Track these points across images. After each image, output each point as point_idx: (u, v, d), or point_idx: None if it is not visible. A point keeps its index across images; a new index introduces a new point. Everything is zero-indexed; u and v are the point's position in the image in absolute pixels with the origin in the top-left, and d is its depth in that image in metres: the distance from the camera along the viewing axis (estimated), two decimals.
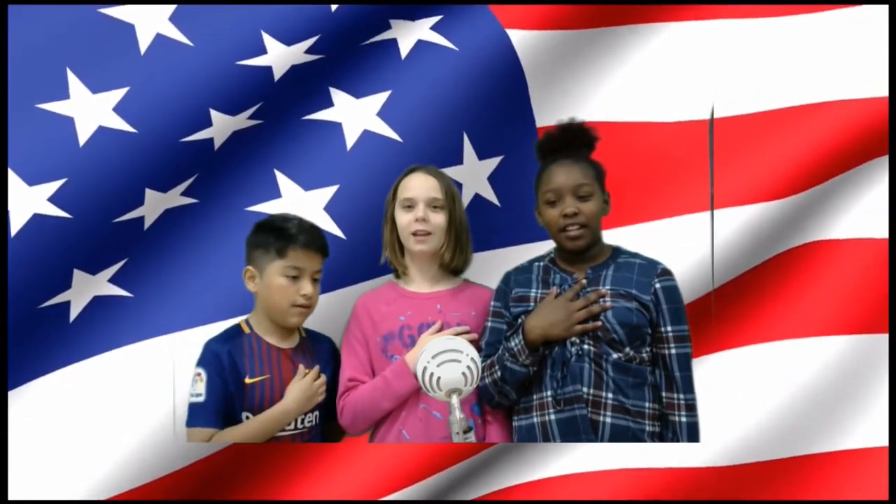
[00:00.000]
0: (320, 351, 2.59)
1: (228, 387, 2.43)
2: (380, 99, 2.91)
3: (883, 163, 2.88)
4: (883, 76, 2.91)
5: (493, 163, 2.99)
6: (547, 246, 2.56)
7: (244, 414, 2.45)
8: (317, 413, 2.52)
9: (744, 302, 2.86)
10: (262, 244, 2.49)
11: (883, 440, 2.70)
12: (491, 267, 2.66)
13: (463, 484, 2.68)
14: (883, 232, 2.84)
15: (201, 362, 2.45)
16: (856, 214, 2.88)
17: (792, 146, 2.93)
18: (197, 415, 2.43)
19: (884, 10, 2.95)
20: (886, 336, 2.77)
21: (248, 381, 2.45)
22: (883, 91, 2.90)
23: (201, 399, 2.42)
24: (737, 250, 2.86)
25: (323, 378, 2.52)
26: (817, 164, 2.90)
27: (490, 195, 2.99)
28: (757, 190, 2.89)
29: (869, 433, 2.72)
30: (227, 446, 2.62)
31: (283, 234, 2.48)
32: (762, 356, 2.81)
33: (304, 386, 2.47)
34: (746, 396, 2.76)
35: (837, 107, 2.93)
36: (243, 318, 2.54)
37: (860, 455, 2.70)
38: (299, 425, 2.49)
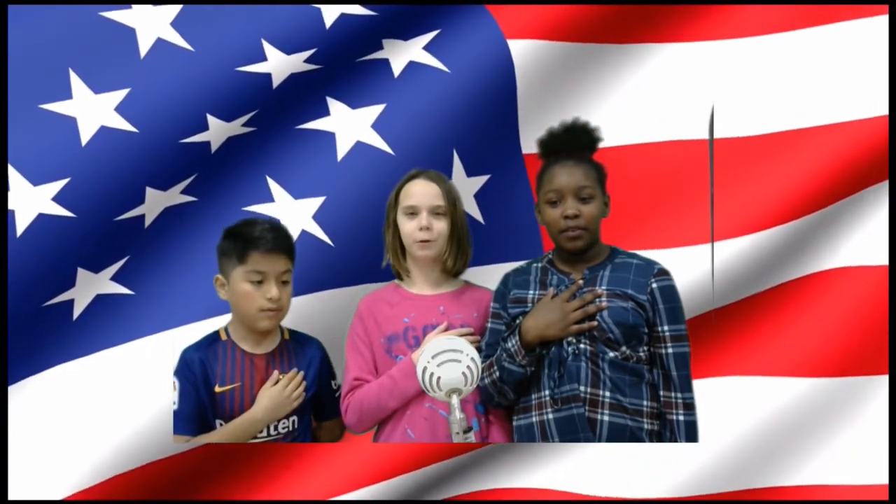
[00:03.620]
0: (304, 353, 2.55)
1: (200, 395, 2.43)
2: (375, 111, 2.95)
3: (883, 187, 2.88)
4: (883, 97, 2.91)
5: (480, 181, 3.02)
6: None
7: (217, 421, 2.45)
8: (294, 418, 2.50)
9: (740, 331, 2.86)
10: (226, 251, 2.47)
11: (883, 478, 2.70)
12: (486, 271, 2.68)
13: (456, 482, 2.69)
14: (883, 259, 2.83)
15: (176, 371, 2.45)
16: (856, 241, 2.87)
17: (790, 171, 2.93)
18: (175, 423, 2.43)
19: (883, 20, 2.97)
20: (886, 377, 2.76)
21: (218, 389, 2.44)
22: (883, 111, 2.90)
23: (176, 408, 2.43)
24: (736, 278, 2.86)
25: (297, 383, 2.49)
26: (816, 190, 2.90)
27: (475, 212, 3.01)
28: (755, 218, 2.89)
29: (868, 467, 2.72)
30: (227, 447, 2.62)
31: (241, 239, 2.45)
32: (754, 388, 2.80)
33: (273, 394, 2.45)
34: (736, 426, 2.76)
35: (837, 130, 2.94)
36: (225, 323, 2.54)
37: (859, 491, 2.70)
38: (272, 432, 2.47)
